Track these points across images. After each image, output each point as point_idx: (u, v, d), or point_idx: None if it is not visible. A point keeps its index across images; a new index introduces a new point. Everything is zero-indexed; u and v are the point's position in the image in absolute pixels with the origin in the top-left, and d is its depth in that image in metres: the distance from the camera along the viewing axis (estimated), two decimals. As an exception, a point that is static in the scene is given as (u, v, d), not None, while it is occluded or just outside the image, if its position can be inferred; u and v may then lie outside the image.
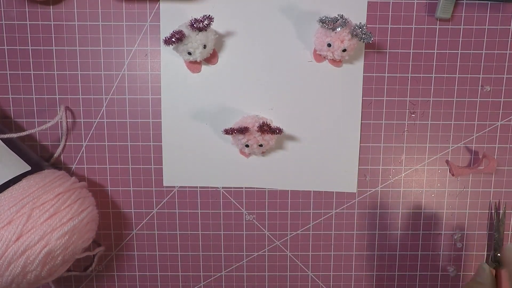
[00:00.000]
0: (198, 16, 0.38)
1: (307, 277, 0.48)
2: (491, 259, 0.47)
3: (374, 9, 0.43)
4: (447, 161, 0.46)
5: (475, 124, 0.45)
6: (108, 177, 0.46)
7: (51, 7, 0.43)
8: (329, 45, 0.40)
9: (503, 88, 0.45)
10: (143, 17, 0.43)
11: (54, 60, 0.44)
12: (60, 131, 0.45)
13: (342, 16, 0.38)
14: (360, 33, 0.38)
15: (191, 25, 0.38)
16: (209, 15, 0.38)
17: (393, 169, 0.46)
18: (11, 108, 0.44)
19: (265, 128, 0.40)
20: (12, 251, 0.34)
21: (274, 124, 0.42)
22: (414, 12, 0.43)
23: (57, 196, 0.38)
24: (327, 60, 0.43)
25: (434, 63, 0.44)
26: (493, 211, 0.46)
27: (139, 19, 0.43)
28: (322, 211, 0.47)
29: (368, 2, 0.43)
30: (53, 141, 0.45)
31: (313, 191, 0.46)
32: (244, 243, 0.47)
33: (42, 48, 0.43)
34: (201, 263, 0.48)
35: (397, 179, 0.46)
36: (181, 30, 0.38)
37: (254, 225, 0.47)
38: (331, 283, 0.48)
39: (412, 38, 0.44)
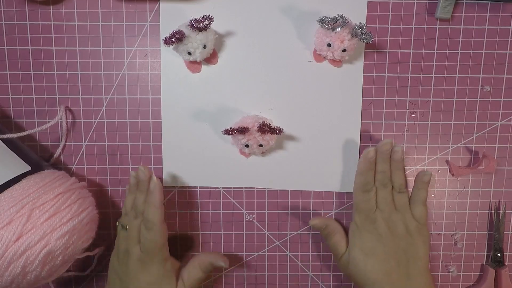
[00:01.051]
0: (198, 16, 0.38)
1: (307, 277, 0.48)
2: (491, 259, 0.47)
3: (374, 9, 0.43)
4: (447, 161, 0.46)
5: (475, 124, 0.45)
6: (108, 177, 0.46)
7: (51, 7, 0.43)
8: (329, 45, 0.40)
9: (503, 88, 0.45)
10: (143, 17, 0.43)
11: (54, 60, 0.44)
12: (60, 131, 0.45)
13: (342, 16, 0.38)
14: (360, 33, 0.38)
15: (191, 25, 0.38)
16: (209, 15, 0.38)
17: (393, 169, 0.46)
18: (11, 108, 0.44)
19: (265, 128, 0.40)
20: (12, 251, 0.34)
21: (274, 124, 0.42)
22: (414, 12, 0.43)
23: (57, 196, 0.38)
24: (327, 60, 0.43)
25: (434, 63, 0.44)
26: (493, 211, 0.46)
27: (139, 19, 0.43)
28: (322, 211, 0.47)
29: (368, 2, 0.43)
30: (53, 141, 0.45)
31: (313, 191, 0.46)
32: (244, 243, 0.47)
33: (42, 48, 0.43)
34: (201, 263, 0.48)
35: (397, 179, 0.46)
36: (181, 30, 0.38)
37: (254, 225, 0.47)
38: (331, 283, 0.48)
39: (412, 38, 0.44)
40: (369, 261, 0.41)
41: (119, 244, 0.42)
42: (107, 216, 0.44)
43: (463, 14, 0.43)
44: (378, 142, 0.45)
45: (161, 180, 0.46)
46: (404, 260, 0.41)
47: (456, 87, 0.45)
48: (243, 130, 0.39)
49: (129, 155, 0.45)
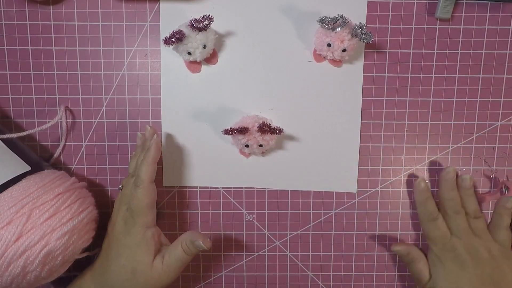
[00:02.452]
0: (198, 16, 0.38)
1: (307, 277, 0.48)
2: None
3: (374, 9, 0.43)
4: None
5: (475, 124, 0.45)
6: (108, 177, 0.46)
7: (51, 7, 0.43)
8: (329, 45, 0.40)
9: (503, 88, 0.45)
10: (143, 17, 0.43)
11: (54, 60, 0.44)
12: (60, 131, 0.45)
13: (342, 16, 0.38)
14: (360, 33, 0.38)
15: (191, 25, 0.38)
16: (209, 15, 0.38)
17: (393, 169, 0.46)
18: (11, 108, 0.44)
19: (265, 128, 0.40)
20: (12, 251, 0.34)
21: (274, 124, 0.42)
22: (414, 12, 0.43)
23: (57, 196, 0.38)
24: (327, 60, 0.43)
25: (434, 63, 0.44)
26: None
27: (139, 19, 0.43)
28: (322, 211, 0.47)
29: (368, 2, 0.43)
30: (53, 141, 0.45)
31: (313, 191, 0.46)
32: (244, 243, 0.47)
33: (42, 48, 0.43)
34: (201, 263, 0.48)
35: (397, 179, 0.46)
36: (181, 30, 0.38)
37: (254, 225, 0.47)
38: (331, 283, 0.48)
39: (412, 38, 0.44)
40: None
41: (115, 205, 0.42)
42: (107, 216, 0.44)
43: (463, 14, 0.43)
44: (378, 142, 0.45)
45: (161, 180, 0.46)
46: (492, 286, 0.40)
47: (456, 87, 0.45)
48: (243, 130, 0.39)
49: (129, 155, 0.45)
